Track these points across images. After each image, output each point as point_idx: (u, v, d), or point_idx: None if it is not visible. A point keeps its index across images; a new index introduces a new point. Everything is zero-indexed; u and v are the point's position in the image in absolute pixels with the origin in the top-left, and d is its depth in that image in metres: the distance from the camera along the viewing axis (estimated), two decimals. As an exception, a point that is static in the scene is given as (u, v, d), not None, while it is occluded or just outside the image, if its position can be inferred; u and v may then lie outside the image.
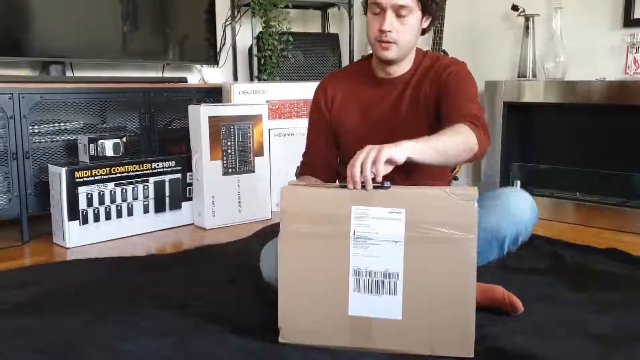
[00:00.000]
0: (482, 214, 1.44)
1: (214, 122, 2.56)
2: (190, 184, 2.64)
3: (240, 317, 1.55)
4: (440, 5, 1.54)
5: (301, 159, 1.73)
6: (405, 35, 1.51)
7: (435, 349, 1.26)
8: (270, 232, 2.43)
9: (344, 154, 1.68)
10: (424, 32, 1.58)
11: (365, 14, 1.56)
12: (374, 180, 1.26)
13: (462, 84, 1.55)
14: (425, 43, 3.15)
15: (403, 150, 1.26)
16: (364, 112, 1.63)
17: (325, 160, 1.68)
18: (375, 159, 1.24)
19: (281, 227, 1.33)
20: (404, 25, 1.50)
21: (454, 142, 1.38)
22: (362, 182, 1.27)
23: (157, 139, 2.75)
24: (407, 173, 1.48)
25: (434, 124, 1.55)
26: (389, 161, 1.25)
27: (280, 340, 1.35)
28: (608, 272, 1.91)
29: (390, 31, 1.49)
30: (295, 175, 1.80)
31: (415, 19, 1.50)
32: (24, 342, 1.42)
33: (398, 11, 1.48)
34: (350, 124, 1.64)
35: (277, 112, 2.86)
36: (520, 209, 1.48)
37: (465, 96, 1.52)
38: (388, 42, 1.51)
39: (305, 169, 1.70)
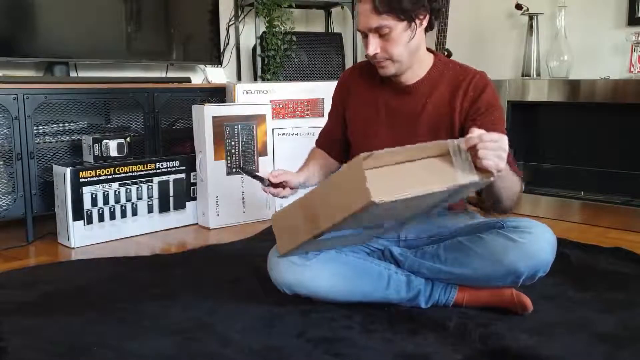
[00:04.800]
0: (502, 251, 1.43)
1: (218, 122, 2.56)
2: (194, 184, 2.65)
3: (245, 317, 1.55)
4: (425, 2, 1.48)
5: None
6: (394, 50, 1.48)
7: None
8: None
9: (353, 153, 1.68)
10: (429, 28, 1.54)
11: None
12: None
13: (497, 111, 1.54)
14: (429, 44, 3.15)
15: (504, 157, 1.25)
16: (380, 119, 1.61)
17: (333, 139, 1.76)
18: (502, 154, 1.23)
19: None
20: (389, 42, 1.48)
21: (512, 189, 1.41)
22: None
23: (161, 139, 2.75)
24: None
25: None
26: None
27: None
28: (613, 271, 1.91)
29: (377, 53, 1.49)
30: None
31: (398, 32, 1.47)
32: (29, 341, 1.42)
33: (378, 32, 1.46)
34: (363, 128, 1.64)
35: (281, 112, 2.86)
36: (542, 252, 1.44)
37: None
38: (380, 61, 1.51)
39: (320, 143, 1.82)
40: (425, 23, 1.51)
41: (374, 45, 1.48)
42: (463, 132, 1.54)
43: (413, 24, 1.48)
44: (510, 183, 1.39)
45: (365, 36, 1.50)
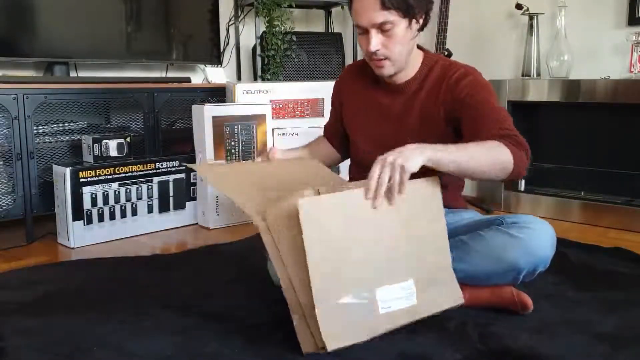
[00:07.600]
0: (502, 248, 1.43)
1: (218, 122, 2.56)
2: (194, 184, 2.64)
3: (245, 317, 1.55)
4: (425, 2, 1.49)
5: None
6: (395, 48, 1.48)
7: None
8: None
9: (355, 154, 1.74)
10: (422, 29, 1.54)
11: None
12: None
13: (481, 95, 1.49)
14: (429, 44, 3.15)
15: (416, 162, 1.26)
16: (372, 117, 1.64)
17: (334, 132, 1.84)
18: (391, 174, 1.26)
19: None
20: (391, 39, 1.47)
21: (481, 159, 1.35)
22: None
23: (161, 139, 2.75)
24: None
25: (446, 139, 1.52)
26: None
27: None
28: (613, 271, 1.91)
29: (378, 49, 1.47)
30: None
31: (401, 29, 1.46)
32: (28, 341, 1.42)
33: (381, 27, 1.45)
34: (358, 126, 1.68)
35: (281, 112, 2.86)
36: (542, 248, 1.44)
37: (488, 111, 1.47)
38: (379, 59, 1.49)
39: (325, 133, 1.89)
40: (420, 23, 1.52)
41: (376, 41, 1.46)
42: (452, 127, 1.54)
43: (413, 22, 1.49)
44: (474, 161, 1.34)
45: (363, 33, 1.49)
